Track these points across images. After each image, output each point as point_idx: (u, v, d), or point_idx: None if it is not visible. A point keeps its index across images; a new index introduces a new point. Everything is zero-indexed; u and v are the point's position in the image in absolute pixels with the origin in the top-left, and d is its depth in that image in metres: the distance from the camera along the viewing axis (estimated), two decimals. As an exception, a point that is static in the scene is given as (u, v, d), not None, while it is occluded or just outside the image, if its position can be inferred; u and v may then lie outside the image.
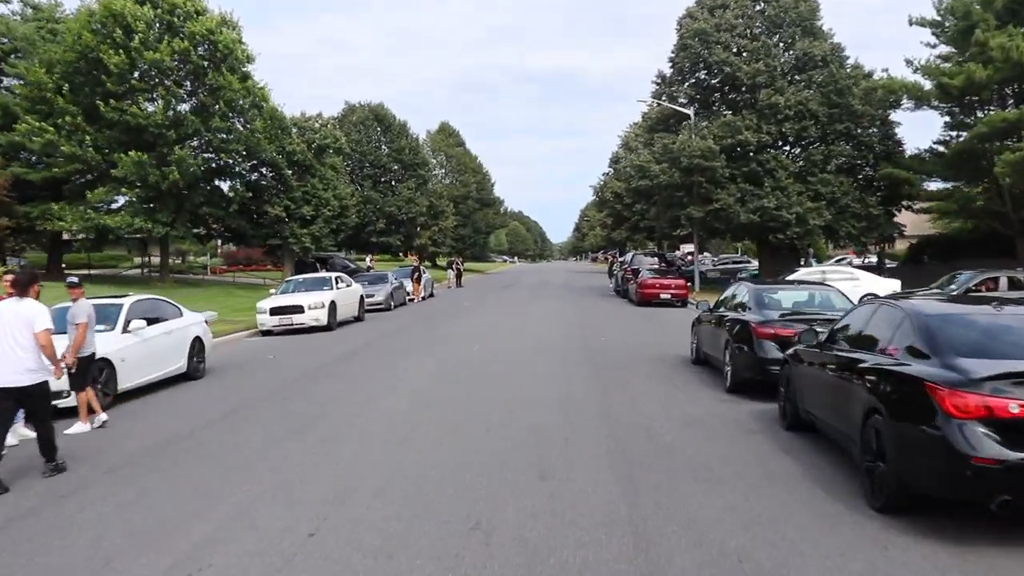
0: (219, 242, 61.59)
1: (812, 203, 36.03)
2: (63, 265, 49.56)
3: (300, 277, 29.01)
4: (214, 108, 40.02)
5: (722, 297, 15.80)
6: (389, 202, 61.76)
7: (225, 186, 43.89)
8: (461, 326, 25.93)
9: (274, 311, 24.96)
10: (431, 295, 44.67)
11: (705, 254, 54.08)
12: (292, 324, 24.79)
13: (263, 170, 45.39)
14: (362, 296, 29.68)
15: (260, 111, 42.11)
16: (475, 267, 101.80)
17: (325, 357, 19.02)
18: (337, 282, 27.53)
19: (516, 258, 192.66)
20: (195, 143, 40.54)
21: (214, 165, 42.01)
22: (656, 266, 39.39)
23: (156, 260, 66.94)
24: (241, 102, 40.97)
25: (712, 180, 36.88)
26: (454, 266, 57.27)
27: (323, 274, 29.31)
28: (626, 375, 14.66)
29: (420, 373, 15.76)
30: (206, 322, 17.37)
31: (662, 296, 33.02)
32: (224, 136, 40.66)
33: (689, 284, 35.21)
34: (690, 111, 39.71)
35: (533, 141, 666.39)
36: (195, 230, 45.13)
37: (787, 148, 39.49)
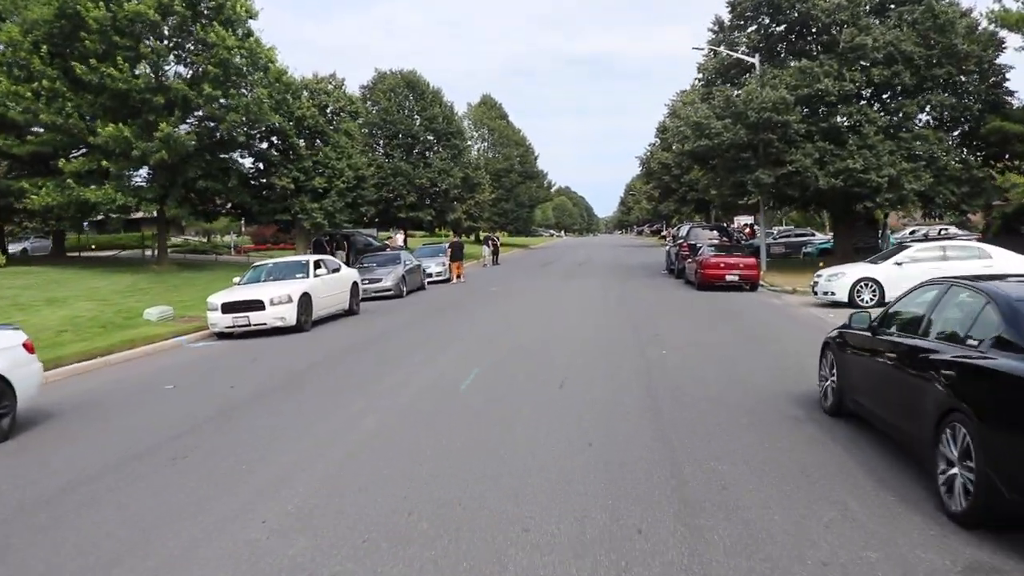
0: (243, 220, 57.08)
1: (908, 163, 30.02)
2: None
3: (271, 262, 23.70)
4: (206, 70, 34.97)
5: (899, 303, 8.71)
6: (420, 174, 56.48)
7: (228, 158, 38.86)
8: (474, 325, 20.60)
9: (227, 308, 19.69)
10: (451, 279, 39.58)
11: (755, 226, 48.17)
12: (250, 324, 19.58)
13: (272, 139, 40.45)
14: (356, 284, 24.37)
15: (265, 74, 37.04)
16: (519, 241, 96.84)
17: (251, 384, 13.41)
18: (317, 267, 22.13)
19: (563, 232, 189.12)
20: (187, 111, 35.42)
21: (210, 137, 36.99)
22: (717, 241, 33.82)
23: (177, 239, 63.11)
24: (239, 62, 35.85)
25: (785, 138, 31.02)
26: (490, 242, 51.99)
27: (300, 257, 23.82)
28: (723, 450, 8.13)
29: (356, 436, 9.35)
30: (24, 345, 10.87)
31: (728, 278, 27.46)
32: (221, 103, 35.65)
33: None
34: (754, 59, 33.82)
35: (578, 121, 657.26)
36: (198, 206, 40.49)
37: (874, 99, 33.34)
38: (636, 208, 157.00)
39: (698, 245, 32.62)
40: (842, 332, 9.45)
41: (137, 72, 33.02)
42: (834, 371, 9.37)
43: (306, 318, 20.34)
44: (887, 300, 21.52)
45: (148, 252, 48.71)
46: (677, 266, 34.02)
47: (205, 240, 61.95)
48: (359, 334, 19.47)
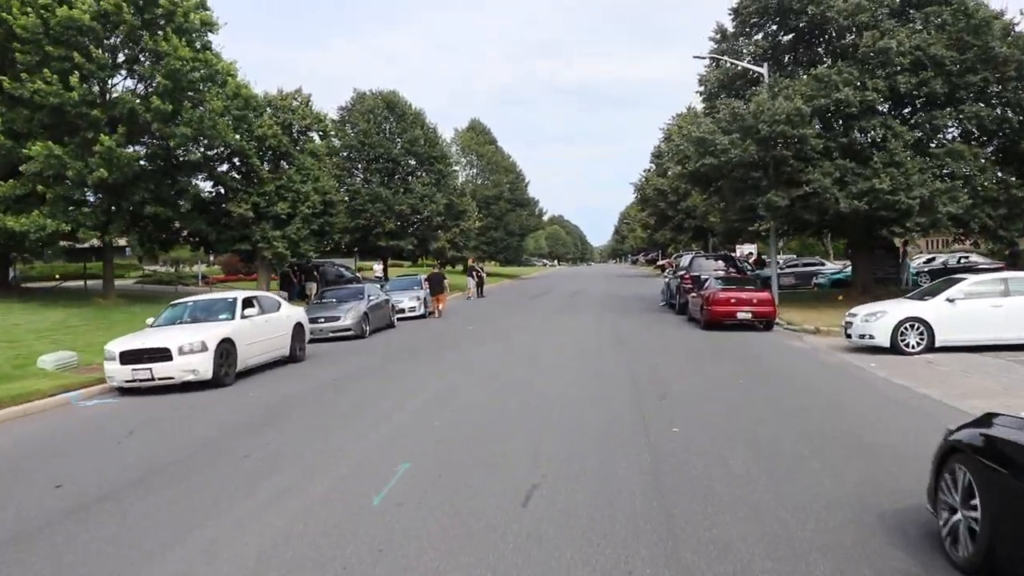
0: (201, 249, 53.23)
1: (941, 183, 26.32)
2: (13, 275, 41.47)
3: (193, 299, 19.64)
4: (156, 83, 31.30)
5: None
6: (400, 199, 52.76)
7: (183, 181, 35.04)
8: (431, 379, 16.71)
9: (127, 357, 15.72)
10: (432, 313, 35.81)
11: (763, 256, 44.53)
12: (154, 379, 15.65)
13: (234, 160, 36.74)
14: (300, 325, 20.49)
15: (223, 88, 33.41)
16: (509, 272, 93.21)
17: (94, 478, 9.48)
18: (247, 306, 18.20)
19: (557, 261, 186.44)
20: (134, 128, 31.64)
21: (162, 158, 33.26)
22: (723, 272, 30.10)
23: (148, 269, 59.19)
24: (194, 76, 32.22)
25: (800, 155, 27.35)
26: (474, 273, 48.22)
27: (227, 295, 19.70)
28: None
29: None
30: None
31: (739, 316, 23.72)
32: (170, 119, 32.01)
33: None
34: (762, 68, 30.22)
35: (571, 149, 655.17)
36: (152, 234, 36.77)
37: (900, 110, 29.68)
38: (631, 237, 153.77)
39: (703, 277, 28.95)
40: (990, 436, 5.61)
41: (72, 84, 29.23)
42: (976, 501, 5.50)
43: (227, 369, 16.43)
44: (937, 344, 17.78)
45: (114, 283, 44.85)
46: (678, 300, 30.26)
47: (173, 270, 58.01)
48: (290, 390, 15.59)
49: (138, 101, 31.14)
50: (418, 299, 33.34)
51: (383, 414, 12.48)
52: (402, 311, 32.63)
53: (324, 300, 27.56)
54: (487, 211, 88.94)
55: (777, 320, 24.76)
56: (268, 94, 37.66)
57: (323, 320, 25.44)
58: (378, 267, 51.74)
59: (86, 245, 40.53)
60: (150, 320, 18.40)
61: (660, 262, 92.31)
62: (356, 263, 60.68)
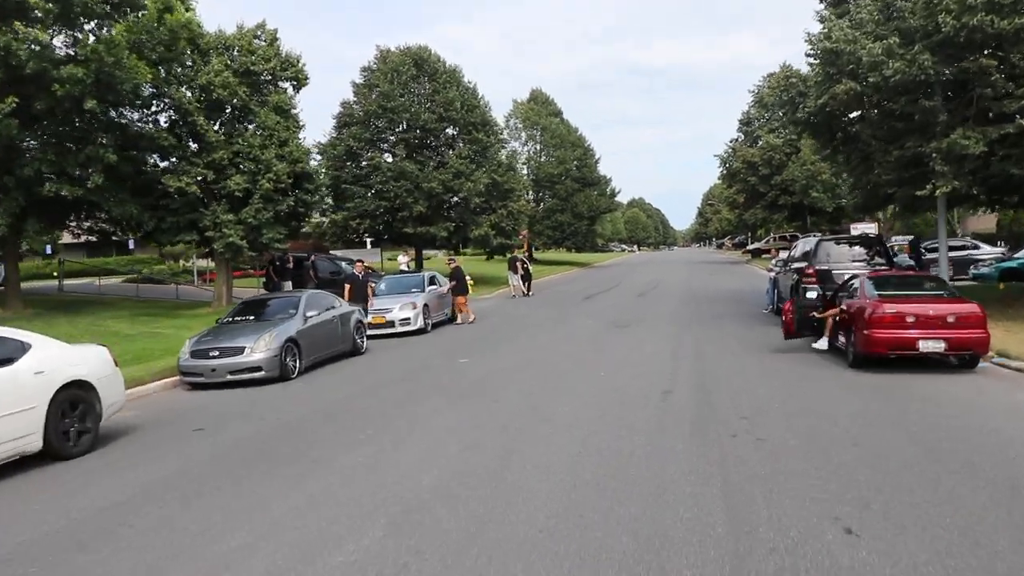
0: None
1: None
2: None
3: None
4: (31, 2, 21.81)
5: None
6: (430, 176, 42.63)
7: (96, 147, 25.43)
8: (284, 528, 6.72)
9: None
10: (450, 318, 25.94)
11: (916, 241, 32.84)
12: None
13: (175, 117, 27.18)
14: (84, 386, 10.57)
15: (140, 17, 23.87)
16: (578, 259, 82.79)
17: None
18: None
19: (637, 246, 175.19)
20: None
21: (56, 113, 23.78)
22: (867, 263, 19.42)
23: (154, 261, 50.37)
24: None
25: (1009, 70, 16.43)
26: (518, 264, 37.94)
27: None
28: None
29: None
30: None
31: (922, 346, 13.11)
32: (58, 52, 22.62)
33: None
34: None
35: (652, 132, 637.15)
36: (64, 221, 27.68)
37: None
38: (715, 219, 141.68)
39: (836, 272, 18.34)
40: None
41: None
42: None
43: None
44: None
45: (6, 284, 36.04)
46: (798, 307, 19.49)
47: (167, 265, 49.06)
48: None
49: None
50: (414, 307, 23.34)
51: None
52: (390, 324, 22.80)
53: (236, 320, 17.62)
54: (551, 191, 78.65)
55: (996, 357, 14.11)
56: (221, 33, 27.79)
57: (216, 354, 15.63)
58: (403, 259, 41.82)
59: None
60: None
61: (752, 246, 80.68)
62: (381, 253, 51.08)
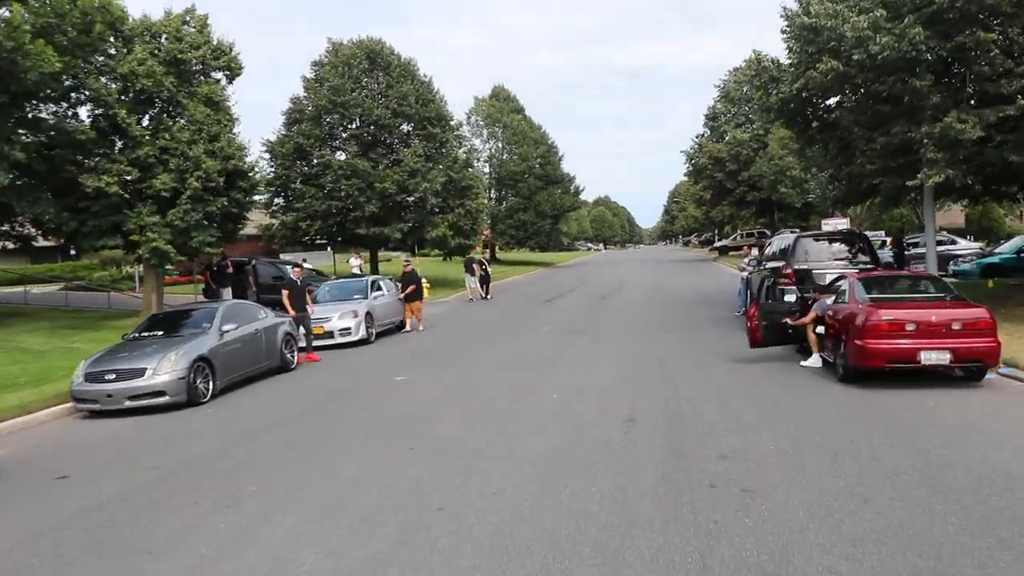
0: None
1: None
2: None
3: None
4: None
5: None
6: (383, 174, 40.51)
7: None
8: None
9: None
10: (399, 325, 23.94)
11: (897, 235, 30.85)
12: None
13: (87, 109, 24.94)
14: None
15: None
16: (542, 259, 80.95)
17: None
18: None
19: (603, 245, 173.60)
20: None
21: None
22: (848, 261, 17.68)
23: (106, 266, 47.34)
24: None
25: (1006, 44, 14.67)
26: (476, 266, 35.94)
27: None
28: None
29: None
30: None
31: (923, 358, 11.33)
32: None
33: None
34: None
35: (618, 132, 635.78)
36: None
37: None
38: (681, 216, 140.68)
39: (815, 272, 16.58)
40: None
41: None
42: None
43: None
44: None
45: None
46: (771, 311, 17.60)
47: (108, 271, 46.44)
48: None
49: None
50: (355, 315, 21.27)
51: None
52: (329, 335, 20.75)
53: (142, 337, 15.47)
54: (514, 190, 76.65)
55: (1004, 367, 12.33)
56: (146, 19, 25.51)
57: (112, 377, 13.52)
58: (355, 261, 39.53)
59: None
60: None
61: (719, 243, 79.24)
62: (334, 256, 48.93)
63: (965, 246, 32.33)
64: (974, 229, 55.38)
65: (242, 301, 18.30)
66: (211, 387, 14.30)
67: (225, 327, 15.34)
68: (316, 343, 20.18)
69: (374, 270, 43.30)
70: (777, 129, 58.51)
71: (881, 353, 11.50)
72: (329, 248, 47.85)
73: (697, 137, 70.49)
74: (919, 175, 15.86)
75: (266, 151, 42.60)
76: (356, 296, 22.70)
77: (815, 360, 13.72)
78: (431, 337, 22.18)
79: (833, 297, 13.62)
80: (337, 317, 21.15)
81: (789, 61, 19.13)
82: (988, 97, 15.47)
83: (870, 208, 45.87)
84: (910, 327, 11.49)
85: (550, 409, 11.31)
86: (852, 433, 9.19)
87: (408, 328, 24.08)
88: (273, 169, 42.39)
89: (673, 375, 13.52)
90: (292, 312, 19.15)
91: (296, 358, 17.96)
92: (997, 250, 29.45)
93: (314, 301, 21.43)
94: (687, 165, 72.23)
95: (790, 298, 14.99)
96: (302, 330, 18.95)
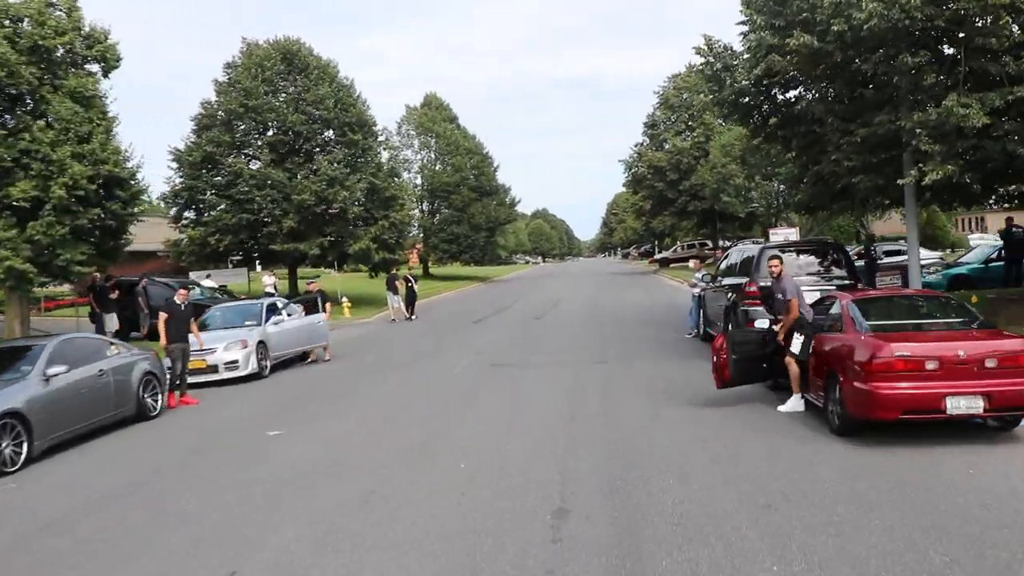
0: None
1: None
2: None
3: None
4: None
5: None
6: (300, 185, 37.16)
7: None
8: None
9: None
10: (303, 355, 20.70)
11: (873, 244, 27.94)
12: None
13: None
14: None
15: None
16: (478, 273, 78.09)
17: None
18: None
19: (541, 258, 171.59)
20: None
21: None
22: (820, 276, 14.99)
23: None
24: None
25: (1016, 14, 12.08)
26: (399, 282, 32.70)
27: None
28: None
29: None
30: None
31: (953, 407, 8.56)
32: None
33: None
34: None
35: (557, 145, 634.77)
36: None
37: None
38: (620, 228, 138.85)
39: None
40: None
41: None
42: None
43: None
44: None
45: None
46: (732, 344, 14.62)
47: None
48: None
49: None
50: (244, 346, 17.98)
51: None
52: (213, 369, 17.48)
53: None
54: (447, 201, 73.48)
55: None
56: (5, 1, 21.92)
57: None
58: (268, 280, 35.99)
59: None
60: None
61: (660, 255, 77.06)
62: (251, 273, 45.20)
63: (926, 255, 30.00)
64: (919, 238, 53.66)
65: (84, 335, 14.95)
66: (24, 452, 10.93)
67: (52, 370, 11.95)
68: (197, 380, 16.92)
69: (292, 289, 39.95)
70: (718, 136, 56.63)
71: (896, 401, 8.68)
72: (257, 265, 44.16)
73: (636, 146, 68.29)
74: (912, 171, 13.17)
75: (173, 160, 39.10)
76: (248, 322, 19.37)
77: (796, 403, 10.90)
78: (335, 369, 19.02)
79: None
80: (223, 348, 17.80)
81: (746, 46, 16.41)
82: (986, 78, 12.86)
83: (815, 218, 43.78)
84: (931, 365, 8.69)
85: (449, 492, 8.20)
86: (884, 521, 6.36)
87: (313, 357, 20.90)
88: (182, 179, 38.94)
89: (618, 427, 10.55)
90: (165, 342, 15.84)
91: (163, 401, 14.66)
92: (963, 260, 27.24)
93: (200, 328, 18.08)
94: (626, 175, 70.02)
95: (762, 324, 12.18)
96: (173, 365, 15.62)
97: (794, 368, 10.75)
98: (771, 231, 38.65)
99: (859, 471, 8.04)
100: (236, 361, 17.74)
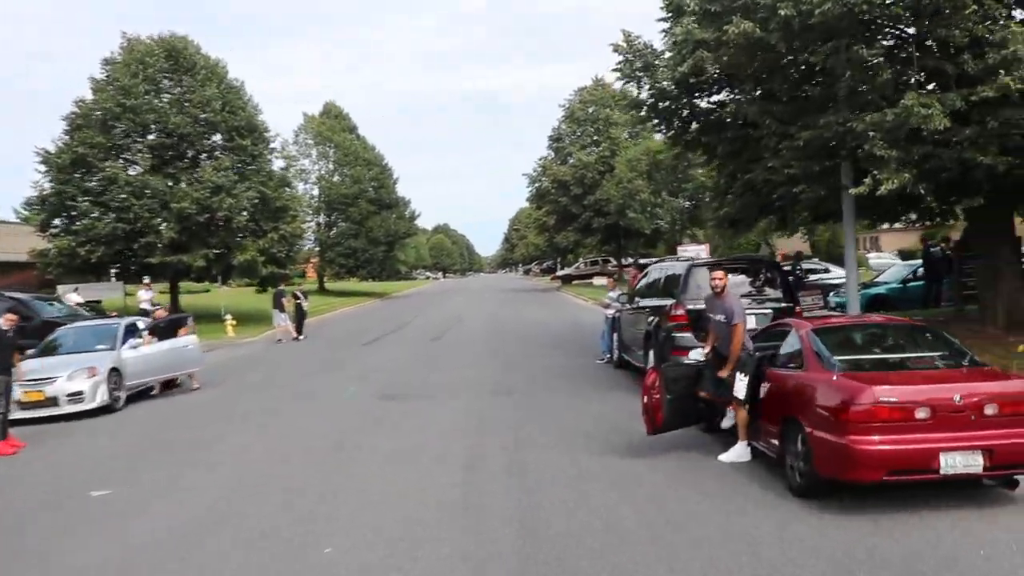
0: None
1: None
2: None
3: None
4: None
5: None
6: (182, 193, 34.26)
7: None
8: None
9: None
10: (169, 381, 18.11)
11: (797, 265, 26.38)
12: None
13: None
14: None
15: None
16: (376, 288, 75.53)
17: None
18: None
19: (442, 273, 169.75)
20: None
21: None
22: (753, 294, 13.29)
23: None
24: None
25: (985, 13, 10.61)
26: (287, 299, 30.07)
27: None
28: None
29: None
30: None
31: (948, 466, 6.87)
32: None
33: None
34: None
35: (460, 160, 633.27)
36: None
37: None
38: (522, 244, 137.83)
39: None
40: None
41: None
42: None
43: None
44: None
45: None
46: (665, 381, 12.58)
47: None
48: None
49: None
50: (92, 374, 15.36)
51: None
52: (53, 402, 14.85)
53: None
54: (344, 214, 70.74)
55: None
56: None
57: None
58: (145, 295, 32.83)
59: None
60: None
61: (562, 271, 75.80)
62: (125, 288, 41.79)
63: (841, 274, 29.02)
64: (822, 257, 53.47)
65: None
66: None
67: None
68: (32, 415, 14.34)
69: (174, 304, 36.97)
70: (624, 151, 55.62)
71: (879, 459, 6.91)
72: (145, 279, 40.79)
73: (540, 159, 66.92)
74: (866, 179, 11.55)
75: (41, 162, 35.71)
76: (101, 346, 16.75)
77: (741, 451, 9.11)
78: (200, 399, 16.53)
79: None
80: (66, 377, 15.15)
81: (671, 41, 14.74)
82: (943, 78, 11.40)
83: (722, 234, 42.83)
84: (922, 414, 6.96)
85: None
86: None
87: (179, 383, 18.38)
88: (51, 183, 35.63)
89: (527, 490, 8.48)
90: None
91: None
92: (879, 279, 26.30)
93: (21, 358, 15.24)
94: (530, 189, 68.62)
95: (695, 355, 10.36)
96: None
97: (741, 413, 8.95)
98: (679, 248, 37.55)
99: (840, 553, 6.20)
100: (81, 393, 15.08)
